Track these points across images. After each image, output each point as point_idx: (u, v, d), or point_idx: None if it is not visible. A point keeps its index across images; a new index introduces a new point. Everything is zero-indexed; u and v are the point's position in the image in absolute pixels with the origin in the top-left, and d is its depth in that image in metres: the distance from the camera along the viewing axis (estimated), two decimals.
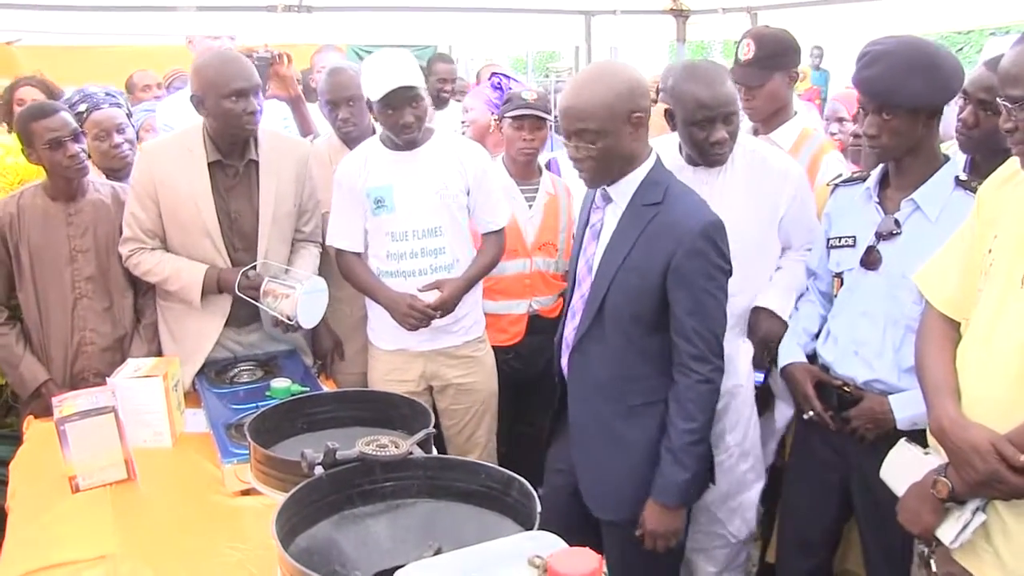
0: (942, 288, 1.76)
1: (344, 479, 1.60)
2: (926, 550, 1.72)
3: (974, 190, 1.86)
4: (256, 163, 2.63)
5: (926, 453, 1.76)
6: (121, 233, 2.64)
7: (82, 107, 2.93)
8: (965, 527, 1.59)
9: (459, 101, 4.08)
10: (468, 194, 2.71)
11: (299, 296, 2.49)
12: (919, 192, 2.02)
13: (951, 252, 1.78)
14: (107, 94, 3.04)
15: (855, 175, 2.27)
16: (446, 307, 2.64)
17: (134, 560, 1.81)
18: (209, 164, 2.58)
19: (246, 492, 2.02)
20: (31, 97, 3.54)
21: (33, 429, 2.49)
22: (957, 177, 2.03)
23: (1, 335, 2.63)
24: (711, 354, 2.03)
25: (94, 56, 5.67)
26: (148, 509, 2.02)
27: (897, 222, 2.05)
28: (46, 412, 2.38)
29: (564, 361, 2.25)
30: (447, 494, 1.63)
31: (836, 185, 2.30)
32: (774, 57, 2.66)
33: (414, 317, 2.61)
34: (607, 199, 2.11)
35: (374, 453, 1.62)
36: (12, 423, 2.78)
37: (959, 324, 1.73)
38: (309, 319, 2.57)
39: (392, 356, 2.78)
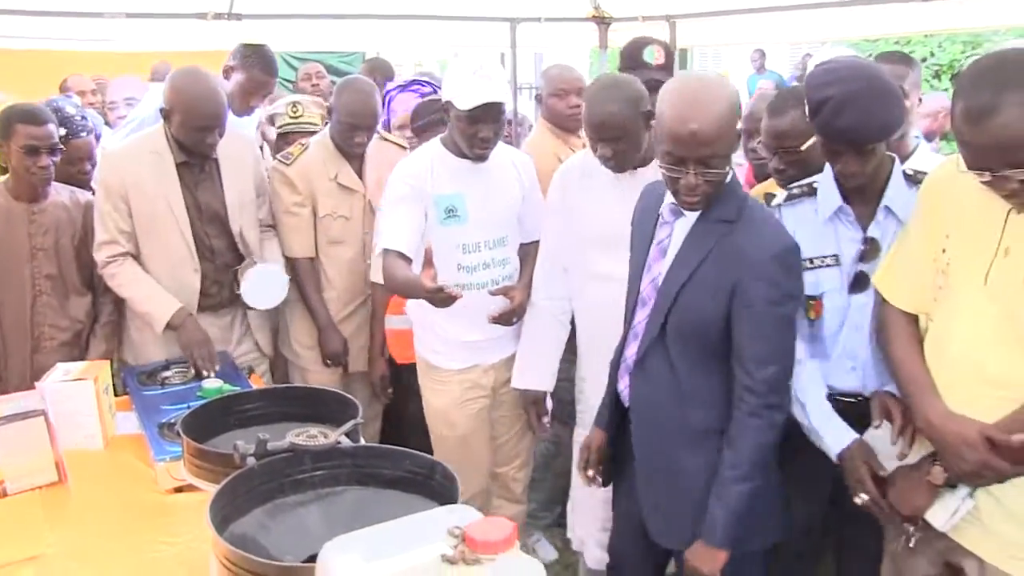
0: (899, 286, 1.85)
1: (275, 469, 1.65)
2: (911, 528, 1.82)
3: (920, 182, 1.93)
4: (216, 159, 2.79)
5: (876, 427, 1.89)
6: (83, 233, 2.74)
7: (61, 131, 2.85)
8: (955, 512, 1.71)
9: None
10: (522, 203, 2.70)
11: (249, 275, 2.74)
12: (887, 198, 2.01)
13: (903, 250, 1.87)
14: (82, 118, 3.03)
15: (793, 193, 2.18)
16: (521, 313, 2.63)
17: (67, 559, 1.82)
18: (176, 165, 2.73)
19: (179, 489, 2.05)
20: None
21: None
22: (904, 172, 2.04)
23: None
24: (768, 389, 1.87)
25: (20, 60, 5.55)
26: (80, 510, 2.03)
27: (873, 240, 2.02)
28: None
29: (623, 384, 2.13)
30: (375, 481, 1.69)
31: (779, 206, 2.18)
32: (672, 66, 2.82)
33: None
34: (677, 213, 1.97)
35: (304, 443, 1.68)
36: None
37: (918, 318, 1.83)
38: (256, 299, 2.79)
39: (465, 375, 2.71)
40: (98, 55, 5.31)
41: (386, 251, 2.49)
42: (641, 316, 2.04)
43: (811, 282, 2.05)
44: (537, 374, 2.65)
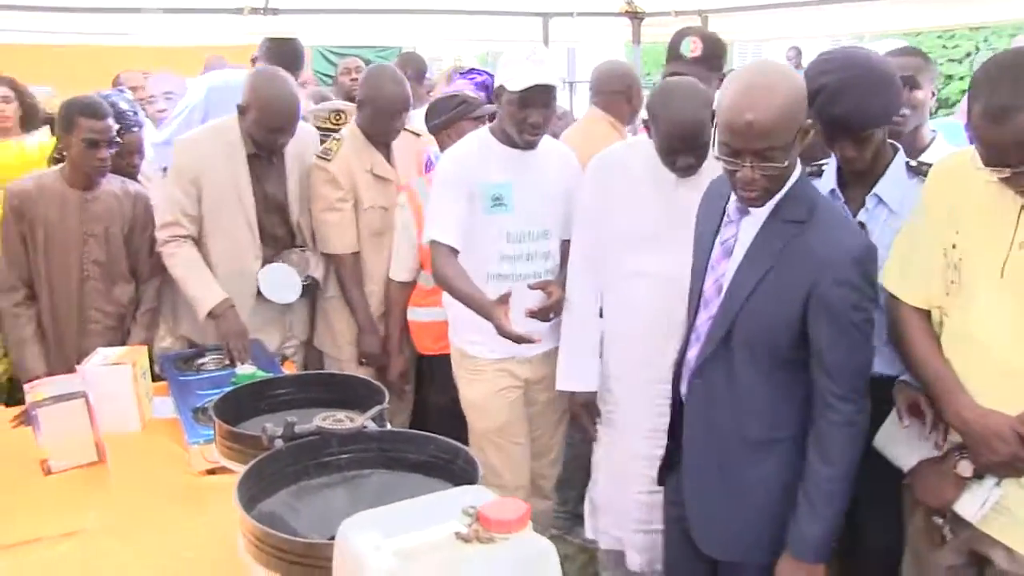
0: (910, 283, 1.86)
1: (302, 451, 1.70)
2: (940, 520, 1.84)
3: (925, 174, 1.97)
4: (281, 153, 2.95)
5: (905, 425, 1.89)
6: (132, 223, 2.86)
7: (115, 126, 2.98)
8: (984, 503, 1.73)
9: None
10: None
11: (264, 270, 2.89)
12: (880, 186, 2.06)
13: (907, 243, 1.88)
14: (134, 113, 3.14)
15: (810, 172, 2.21)
16: (559, 309, 2.58)
17: (105, 535, 1.90)
18: (248, 156, 2.88)
19: (211, 471, 2.12)
20: (0, 95, 3.61)
21: (2, 416, 2.56)
22: (908, 164, 2.09)
23: (16, 314, 2.78)
24: (855, 393, 1.82)
25: (59, 56, 5.70)
26: (118, 489, 2.11)
27: (862, 225, 2.06)
28: None
29: (684, 386, 2.07)
30: (399, 465, 1.73)
31: None
32: (715, 58, 2.80)
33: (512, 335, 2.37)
34: (743, 211, 1.90)
35: (330, 427, 1.73)
36: None
37: (931, 313, 1.85)
38: (270, 291, 2.92)
39: (501, 365, 2.70)
40: (137, 50, 5.45)
41: (436, 243, 2.50)
42: (704, 317, 1.97)
43: None
44: (584, 375, 2.61)
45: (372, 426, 1.78)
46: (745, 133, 1.73)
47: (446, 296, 2.73)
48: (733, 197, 1.90)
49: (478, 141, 2.64)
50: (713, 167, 2.31)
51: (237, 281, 2.90)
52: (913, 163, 2.09)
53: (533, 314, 2.53)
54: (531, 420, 2.81)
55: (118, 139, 2.81)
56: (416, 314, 3.07)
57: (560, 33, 4.14)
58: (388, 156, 3.09)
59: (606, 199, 2.48)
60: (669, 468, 2.20)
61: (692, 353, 2.01)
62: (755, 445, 1.92)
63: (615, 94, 3.39)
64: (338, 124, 3.39)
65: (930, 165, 1.98)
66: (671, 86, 2.37)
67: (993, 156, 1.57)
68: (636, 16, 4.16)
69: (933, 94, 2.42)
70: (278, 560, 1.38)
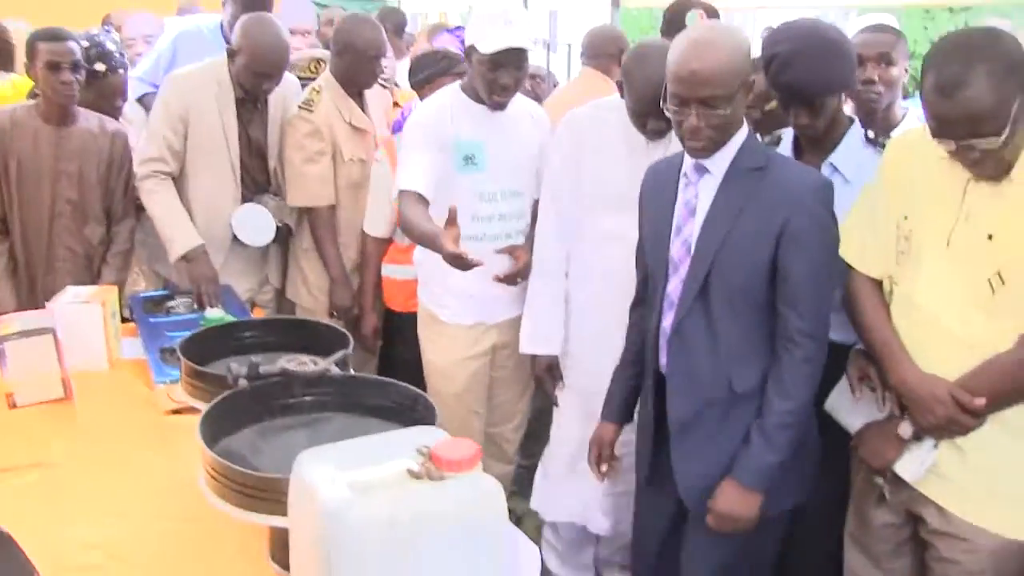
0: (864, 252, 1.92)
1: (266, 392, 1.74)
2: (881, 480, 1.92)
3: (883, 147, 2.04)
4: (266, 99, 2.98)
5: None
6: (108, 161, 2.84)
7: (99, 67, 2.98)
8: (922, 464, 1.81)
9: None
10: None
11: (239, 211, 2.93)
12: (836, 155, 2.11)
13: (864, 214, 1.94)
14: (120, 54, 3.11)
15: (767, 142, 2.30)
16: (526, 273, 2.56)
17: (71, 467, 1.93)
18: (236, 99, 2.90)
19: (177, 411, 2.15)
20: None
21: None
22: (866, 135, 2.14)
23: None
24: (820, 332, 1.85)
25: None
26: (84, 425, 2.14)
27: None
28: None
29: (663, 356, 2.04)
30: (360, 409, 1.78)
31: None
32: None
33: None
34: (701, 170, 1.93)
35: (295, 369, 1.77)
36: None
37: (883, 282, 1.91)
38: (244, 234, 2.95)
39: (468, 331, 2.69)
40: None
41: (403, 192, 2.45)
42: (675, 283, 1.97)
43: None
44: (549, 338, 2.58)
45: (335, 370, 1.83)
46: (689, 81, 1.81)
47: (417, 254, 2.73)
48: (688, 160, 1.95)
49: (450, 97, 2.60)
50: None
51: (214, 223, 2.92)
52: (871, 135, 2.15)
53: (501, 279, 2.54)
54: (497, 385, 2.82)
55: (83, 63, 2.76)
56: (390, 271, 3.07)
57: None
58: (363, 107, 3.09)
59: (577, 160, 2.46)
60: (645, 434, 2.16)
61: (667, 321, 2.00)
62: (739, 397, 1.92)
63: (608, 57, 3.40)
64: (316, 73, 3.36)
65: (887, 138, 2.05)
66: (646, 48, 2.36)
67: (941, 129, 1.62)
68: None
69: (906, 71, 2.46)
70: (236, 493, 1.43)
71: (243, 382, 1.73)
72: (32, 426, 2.12)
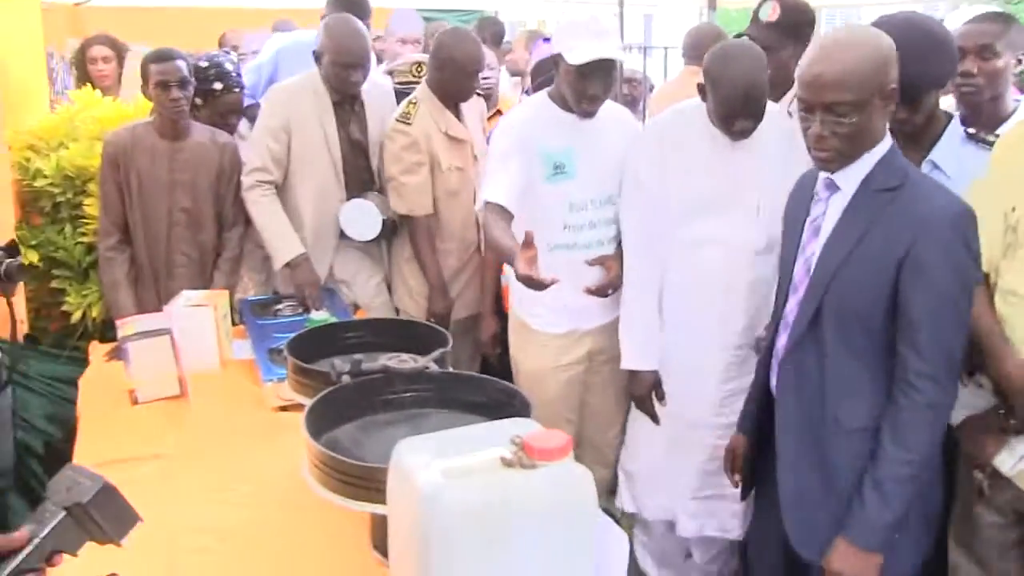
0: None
1: (367, 388, 1.81)
2: (980, 475, 1.87)
3: (984, 142, 1.99)
4: (362, 100, 3.09)
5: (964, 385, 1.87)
6: (219, 170, 2.99)
7: (217, 85, 3.15)
8: (1021, 458, 1.77)
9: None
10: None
11: (347, 206, 3.03)
12: (936, 152, 2.05)
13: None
14: (237, 74, 3.27)
15: None
16: (618, 284, 2.52)
17: (184, 459, 2.06)
18: (333, 103, 3.01)
19: (284, 408, 2.24)
20: (101, 55, 3.81)
21: (97, 351, 2.77)
22: (967, 131, 2.07)
23: (110, 258, 2.94)
24: (943, 374, 1.67)
25: (157, 17, 5.97)
26: (198, 420, 2.26)
27: None
28: None
29: (774, 377, 1.98)
30: (459, 405, 1.82)
31: None
32: (796, 26, 2.74)
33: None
34: (832, 187, 1.81)
35: (395, 366, 1.83)
36: (78, 346, 3.06)
37: (988, 275, 1.86)
38: (351, 229, 3.04)
39: (561, 339, 2.66)
40: (234, 11, 5.69)
41: (487, 203, 2.44)
42: (792, 303, 1.89)
43: None
44: (649, 352, 2.52)
45: (434, 367, 1.88)
46: (813, 84, 1.71)
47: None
48: (821, 175, 1.85)
49: (536, 106, 2.59)
50: (767, 132, 2.33)
51: (323, 227, 3.05)
52: (971, 131, 2.09)
53: (592, 291, 2.51)
54: (594, 392, 2.76)
55: (191, 79, 2.91)
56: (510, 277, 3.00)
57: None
58: (459, 116, 3.14)
59: (663, 165, 2.42)
60: (760, 462, 2.08)
61: (780, 342, 1.92)
62: (852, 433, 1.78)
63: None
64: (419, 76, 3.39)
65: (989, 135, 1.99)
66: (727, 49, 2.34)
67: None
68: None
69: (1020, 61, 2.36)
70: (338, 482, 1.49)
71: (346, 378, 1.80)
72: (151, 421, 2.26)
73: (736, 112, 2.25)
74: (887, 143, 1.77)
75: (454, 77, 3.03)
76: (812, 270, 1.83)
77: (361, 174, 3.12)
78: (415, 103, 3.08)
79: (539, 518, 1.17)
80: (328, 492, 1.51)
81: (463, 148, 3.12)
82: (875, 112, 1.71)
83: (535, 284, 2.10)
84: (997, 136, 2.06)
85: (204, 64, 3.10)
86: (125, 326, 2.38)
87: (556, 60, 2.47)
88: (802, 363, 1.85)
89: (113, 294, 2.92)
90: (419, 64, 3.52)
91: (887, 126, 1.77)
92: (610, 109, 2.64)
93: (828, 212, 1.83)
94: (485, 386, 1.83)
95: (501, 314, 3.13)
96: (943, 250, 1.65)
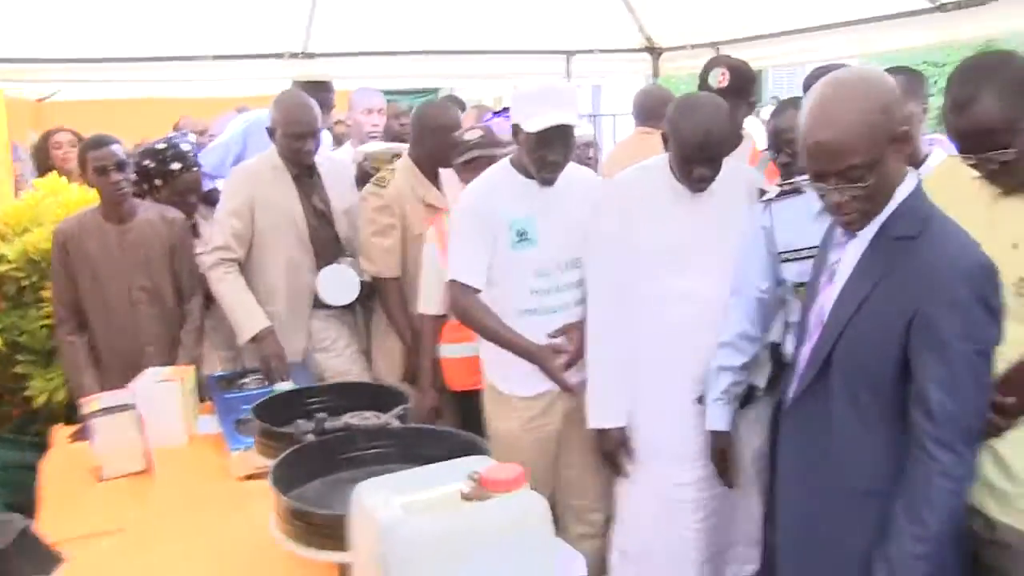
0: None
1: (331, 446, 1.84)
2: None
3: None
4: (319, 173, 3.22)
5: None
6: (171, 245, 3.05)
7: (175, 165, 3.24)
8: None
9: None
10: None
11: (323, 272, 3.10)
12: None
13: None
14: (194, 154, 3.37)
15: (784, 190, 2.36)
16: (580, 354, 2.53)
17: (149, 531, 2.04)
18: (292, 177, 3.12)
19: (251, 477, 2.23)
20: (66, 139, 3.92)
21: (61, 434, 2.76)
22: None
23: (70, 342, 2.98)
24: (959, 441, 1.55)
25: (117, 109, 6.08)
26: (162, 493, 2.26)
27: None
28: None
29: (781, 428, 1.94)
30: (422, 459, 1.81)
31: (770, 201, 2.37)
32: (743, 88, 2.90)
33: (561, 358, 2.39)
34: (850, 233, 1.73)
35: (357, 423, 1.87)
36: (41, 431, 3.04)
37: None
38: (329, 295, 3.11)
39: (533, 403, 2.63)
40: (192, 101, 5.82)
41: (456, 283, 2.50)
42: (805, 351, 1.81)
43: (802, 271, 2.16)
44: (617, 409, 2.51)
45: (396, 423, 1.92)
46: (819, 155, 1.61)
47: None
48: None
49: (499, 175, 2.61)
50: (729, 186, 2.42)
51: (297, 295, 3.12)
52: None
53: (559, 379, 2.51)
54: (571, 453, 2.70)
55: (127, 160, 3.00)
56: (448, 351, 3.03)
57: (582, 69, 4.31)
58: (438, 185, 3.20)
59: (629, 222, 2.45)
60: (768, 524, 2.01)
61: (790, 391, 1.85)
62: (856, 497, 1.69)
63: (659, 116, 3.48)
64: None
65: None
66: (690, 98, 2.44)
67: (960, 145, 1.72)
68: (654, 51, 4.31)
69: (924, 109, 2.51)
70: (303, 532, 1.51)
71: (310, 437, 1.84)
72: (114, 496, 2.26)
73: (695, 156, 2.31)
74: (910, 184, 1.67)
75: (437, 143, 3.09)
76: (825, 319, 1.75)
77: (329, 243, 3.20)
78: (393, 169, 3.18)
79: (497, 546, 1.21)
80: (295, 544, 1.54)
81: (440, 215, 3.17)
82: (891, 162, 1.62)
83: (571, 389, 2.37)
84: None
85: (161, 146, 3.20)
86: (90, 403, 2.39)
87: (515, 130, 2.52)
88: (808, 415, 1.78)
89: (76, 377, 2.94)
90: (397, 155, 3.52)
91: (905, 166, 1.69)
92: (572, 172, 2.67)
93: (844, 259, 1.75)
94: (447, 439, 1.87)
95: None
96: (955, 310, 1.54)
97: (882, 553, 1.60)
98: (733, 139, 2.70)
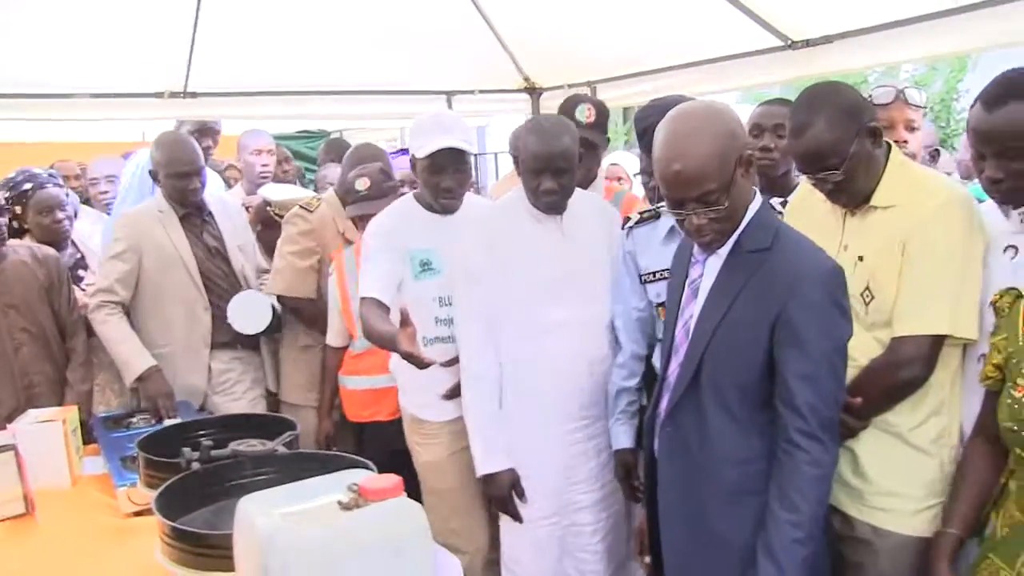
0: None
1: (218, 473, 1.89)
2: None
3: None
4: (210, 211, 3.26)
5: None
6: (48, 283, 3.01)
7: (27, 185, 3.23)
8: None
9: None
10: None
11: (235, 298, 3.13)
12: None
13: None
14: (49, 175, 3.36)
15: (643, 216, 2.46)
16: None
17: (29, 572, 2.00)
18: (180, 219, 3.15)
19: (138, 513, 2.23)
20: None
21: None
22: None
23: None
24: (823, 431, 1.69)
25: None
26: (46, 536, 2.20)
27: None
28: None
29: (656, 441, 2.00)
30: None
31: (631, 227, 2.48)
32: (605, 123, 3.08)
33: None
34: (708, 251, 1.87)
35: (244, 450, 1.92)
36: None
37: None
38: (240, 323, 3.14)
39: (451, 426, 2.65)
40: (69, 146, 5.73)
41: (363, 299, 2.51)
42: (673, 365, 1.92)
43: (659, 291, 2.32)
44: (498, 452, 2.48)
45: (283, 450, 1.97)
46: (676, 183, 1.73)
47: (394, 361, 2.72)
48: None
49: (402, 208, 2.70)
50: (587, 213, 2.51)
51: (192, 333, 3.14)
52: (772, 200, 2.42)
53: (448, 396, 2.59)
54: None
55: (7, 206, 3.00)
56: (346, 382, 3.15)
57: (464, 109, 4.43)
58: (358, 224, 3.24)
59: (496, 257, 2.46)
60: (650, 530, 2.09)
61: (662, 405, 1.95)
62: (730, 496, 1.80)
63: None
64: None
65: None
66: (536, 118, 2.58)
67: (799, 166, 1.96)
68: (534, 91, 4.49)
69: None
70: (189, 555, 1.55)
71: (196, 465, 1.87)
72: None
73: (539, 167, 2.35)
74: (757, 201, 1.83)
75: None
76: (691, 333, 1.87)
77: (223, 280, 3.23)
78: (319, 200, 3.27)
79: (375, 552, 1.29)
80: (181, 568, 1.57)
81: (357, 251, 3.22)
82: (741, 184, 1.76)
83: (417, 361, 2.18)
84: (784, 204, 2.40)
85: (12, 174, 3.20)
86: None
87: (413, 163, 2.62)
88: (682, 424, 1.87)
89: None
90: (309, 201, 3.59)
91: (754, 185, 1.85)
92: (474, 204, 2.75)
93: (705, 274, 1.88)
94: (334, 463, 1.93)
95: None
96: (811, 310, 1.69)
97: (763, 543, 1.71)
98: (589, 166, 2.80)
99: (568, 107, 3.02)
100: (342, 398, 3.20)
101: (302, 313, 3.27)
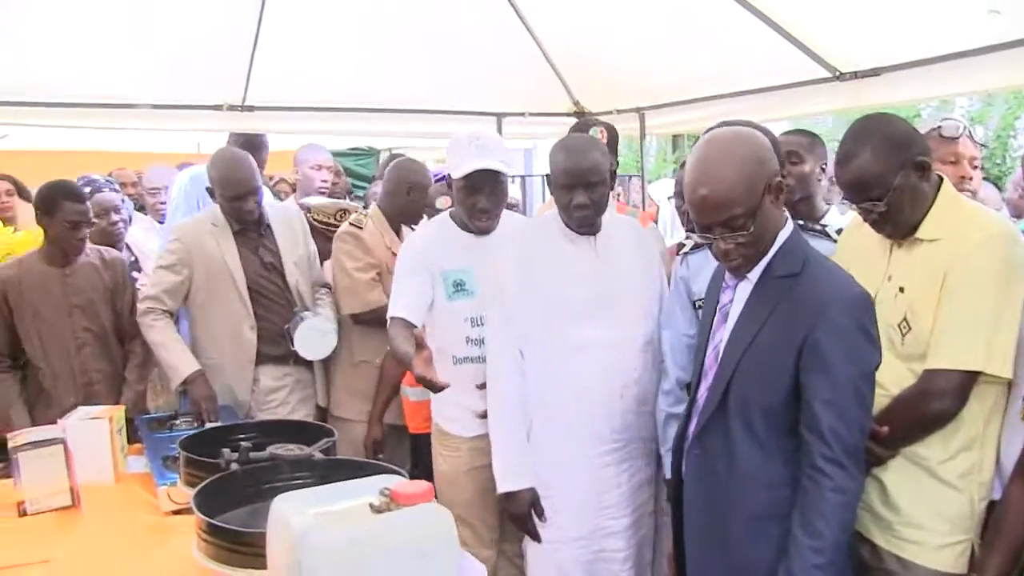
0: None
1: (255, 474, 1.94)
2: None
3: (812, 231, 2.41)
4: (269, 225, 3.26)
5: None
6: (112, 286, 3.16)
7: (86, 189, 3.36)
8: None
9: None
10: None
11: (300, 328, 3.14)
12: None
13: None
14: (107, 180, 3.55)
15: (699, 243, 2.34)
16: None
17: (73, 562, 2.07)
18: (234, 233, 3.17)
19: (178, 512, 2.29)
20: (4, 188, 3.97)
21: None
22: (805, 225, 2.38)
23: (1, 379, 3.03)
24: (847, 458, 1.69)
25: (52, 161, 6.10)
26: (90, 527, 2.28)
27: None
28: None
29: (685, 465, 2.02)
30: None
31: (686, 253, 2.51)
32: (614, 144, 3.13)
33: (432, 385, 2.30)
34: (738, 276, 1.89)
35: (282, 454, 1.97)
36: None
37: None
38: (306, 350, 3.17)
39: (473, 443, 2.67)
40: (127, 155, 5.92)
41: (391, 319, 2.56)
42: (703, 389, 1.94)
43: None
44: (520, 472, 2.46)
45: (318, 455, 2.02)
46: (703, 208, 1.76)
47: None
48: None
49: (438, 227, 2.73)
50: (620, 236, 2.50)
51: (234, 349, 3.19)
52: (817, 227, 2.47)
53: (484, 415, 2.54)
54: None
55: (94, 220, 3.14)
56: (407, 392, 3.22)
57: (513, 131, 4.50)
58: (401, 238, 3.35)
59: (530, 275, 2.46)
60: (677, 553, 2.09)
61: (691, 428, 1.97)
62: (755, 521, 1.81)
63: None
64: (340, 221, 3.53)
65: (826, 225, 2.42)
66: (564, 137, 2.58)
67: (845, 194, 1.97)
68: (582, 115, 4.49)
69: (822, 169, 2.75)
70: (222, 550, 1.60)
71: (235, 465, 1.92)
72: (40, 529, 2.27)
73: (570, 182, 2.34)
74: (788, 228, 1.85)
75: (411, 199, 3.30)
76: (720, 357, 1.88)
77: (277, 295, 3.25)
78: (366, 215, 3.32)
79: (403, 554, 1.32)
80: (216, 564, 1.62)
81: None
82: (768, 210, 1.78)
83: (430, 384, 2.23)
84: (824, 225, 2.45)
85: (81, 184, 3.35)
86: (15, 438, 2.42)
87: (449, 183, 2.64)
88: (709, 448, 1.89)
89: (6, 412, 2.97)
90: (343, 211, 3.68)
91: (784, 212, 1.86)
92: (510, 223, 2.74)
93: (735, 299, 1.90)
94: (367, 469, 1.97)
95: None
96: (838, 336, 1.70)
97: (785, 568, 1.71)
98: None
99: (581, 128, 3.08)
100: (404, 409, 3.26)
101: (382, 322, 3.10)
